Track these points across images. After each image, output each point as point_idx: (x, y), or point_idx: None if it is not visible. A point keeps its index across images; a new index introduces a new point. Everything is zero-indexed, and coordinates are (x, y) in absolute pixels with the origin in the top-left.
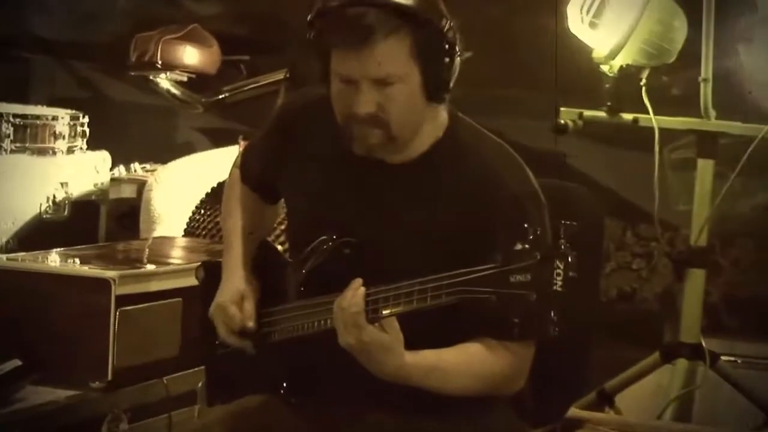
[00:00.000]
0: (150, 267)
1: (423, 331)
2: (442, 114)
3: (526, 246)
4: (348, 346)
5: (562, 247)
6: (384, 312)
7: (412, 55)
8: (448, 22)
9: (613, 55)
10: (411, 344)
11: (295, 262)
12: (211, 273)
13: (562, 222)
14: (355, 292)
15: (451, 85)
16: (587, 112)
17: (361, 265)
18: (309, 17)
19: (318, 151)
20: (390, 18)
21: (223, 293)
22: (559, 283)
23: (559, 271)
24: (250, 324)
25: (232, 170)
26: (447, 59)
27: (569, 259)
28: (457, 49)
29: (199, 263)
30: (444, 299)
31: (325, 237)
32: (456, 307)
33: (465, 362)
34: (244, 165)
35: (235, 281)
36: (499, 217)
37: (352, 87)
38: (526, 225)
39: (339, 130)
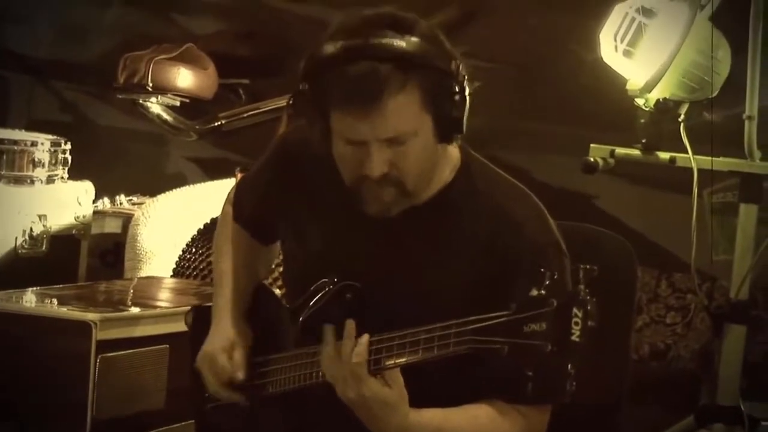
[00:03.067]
0: (135, 310)
1: (428, 389)
2: (454, 153)
3: (542, 292)
4: (347, 401)
5: (581, 293)
6: (387, 363)
7: (422, 106)
8: (456, 61)
9: (649, 87)
10: (414, 403)
11: (292, 308)
12: (202, 319)
13: (581, 266)
14: (358, 340)
15: (465, 122)
16: (620, 150)
17: (364, 311)
18: (301, 67)
19: (319, 188)
20: (398, 72)
21: (212, 341)
22: (577, 332)
23: (577, 319)
24: (240, 375)
25: (224, 207)
26: (458, 98)
27: (588, 307)
28: (467, 85)
29: (189, 308)
30: (452, 349)
31: (325, 280)
32: (465, 361)
33: (472, 426)
34: (237, 202)
35: (224, 328)
36: (514, 267)
37: (361, 149)
38: (542, 269)
39: (348, 192)
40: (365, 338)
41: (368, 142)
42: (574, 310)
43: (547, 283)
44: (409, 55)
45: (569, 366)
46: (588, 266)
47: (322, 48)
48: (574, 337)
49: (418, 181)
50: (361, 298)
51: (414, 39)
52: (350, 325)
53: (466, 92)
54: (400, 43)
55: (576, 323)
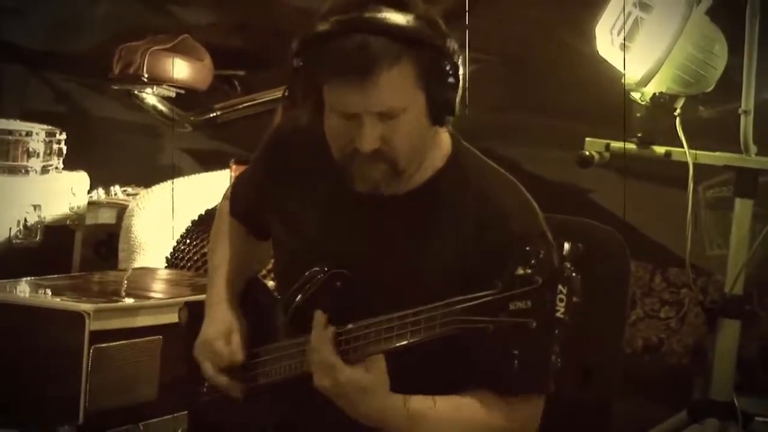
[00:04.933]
0: (128, 301)
1: (413, 379)
2: (445, 141)
3: (528, 271)
4: (324, 389)
5: (566, 270)
6: (374, 348)
7: (417, 83)
8: (451, 41)
9: (645, 81)
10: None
11: (283, 298)
12: (196, 314)
13: (566, 242)
14: (326, 329)
15: (457, 106)
16: (615, 144)
17: (354, 299)
18: (295, 45)
19: (310, 177)
20: (392, 46)
21: (208, 329)
22: (562, 309)
23: (562, 296)
24: (239, 358)
25: (221, 202)
26: (452, 80)
27: (573, 284)
28: (461, 66)
29: (183, 303)
30: (438, 330)
31: (316, 269)
32: (451, 349)
33: (456, 414)
34: (233, 196)
35: (219, 314)
36: (500, 257)
37: (353, 122)
38: (528, 248)
39: (338, 168)
40: (330, 329)
41: (361, 116)
42: (559, 286)
43: (533, 261)
44: (403, 30)
45: (554, 344)
46: (573, 243)
47: (316, 24)
48: (558, 314)
49: (410, 160)
50: (351, 285)
51: (410, 15)
52: (319, 315)
53: (460, 74)
54: (395, 17)
55: (561, 300)
